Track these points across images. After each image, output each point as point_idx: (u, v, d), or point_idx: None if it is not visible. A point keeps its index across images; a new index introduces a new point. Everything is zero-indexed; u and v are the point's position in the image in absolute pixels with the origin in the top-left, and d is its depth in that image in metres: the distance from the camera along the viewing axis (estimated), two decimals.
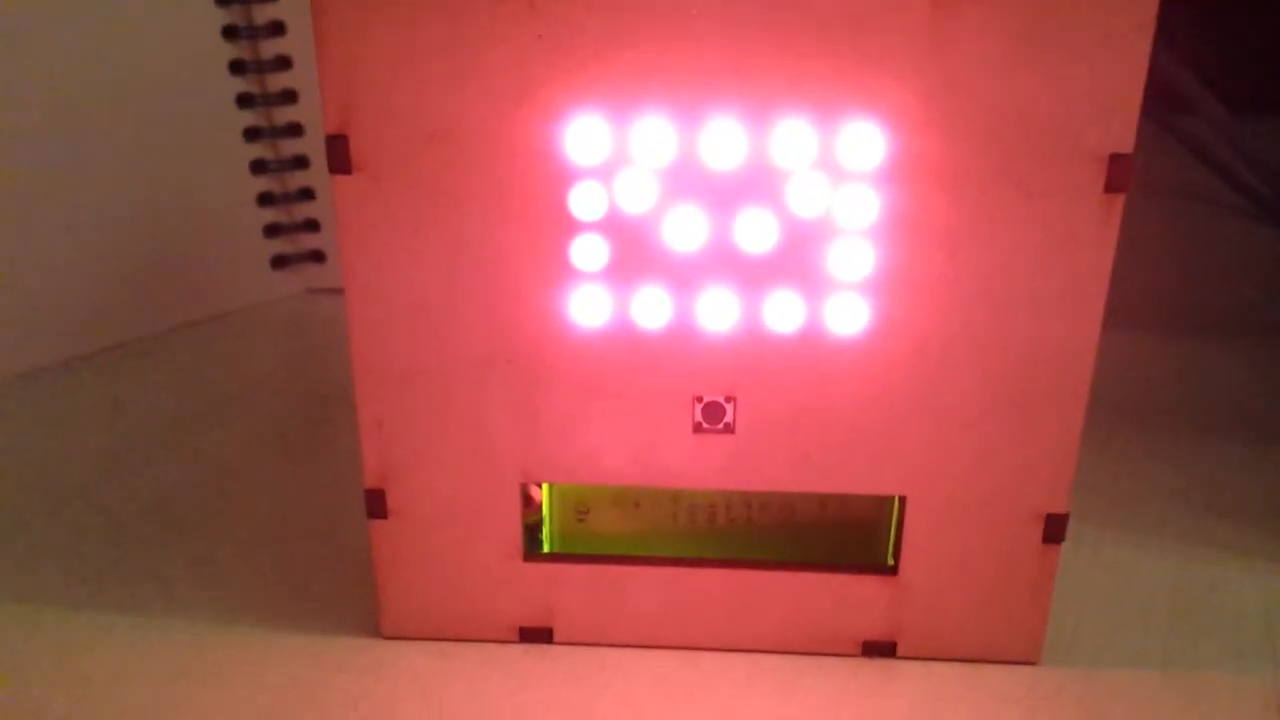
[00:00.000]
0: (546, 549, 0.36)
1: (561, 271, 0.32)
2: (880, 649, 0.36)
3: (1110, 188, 0.30)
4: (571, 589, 0.36)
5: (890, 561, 0.35)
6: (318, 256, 0.63)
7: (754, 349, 0.32)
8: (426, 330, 0.33)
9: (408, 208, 0.32)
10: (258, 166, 0.61)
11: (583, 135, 0.31)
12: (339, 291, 0.63)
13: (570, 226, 0.31)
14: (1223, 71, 0.78)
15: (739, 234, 0.31)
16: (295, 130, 0.61)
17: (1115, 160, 0.30)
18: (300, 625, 0.37)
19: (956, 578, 0.35)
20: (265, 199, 0.61)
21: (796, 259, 0.31)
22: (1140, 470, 0.47)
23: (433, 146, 0.31)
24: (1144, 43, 0.29)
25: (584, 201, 0.31)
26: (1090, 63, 0.29)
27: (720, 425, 0.33)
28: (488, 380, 0.33)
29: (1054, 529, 0.34)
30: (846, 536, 0.36)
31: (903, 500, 0.34)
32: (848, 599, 0.35)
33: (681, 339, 0.32)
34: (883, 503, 0.35)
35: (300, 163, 0.61)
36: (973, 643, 0.35)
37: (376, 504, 0.35)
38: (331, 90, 0.31)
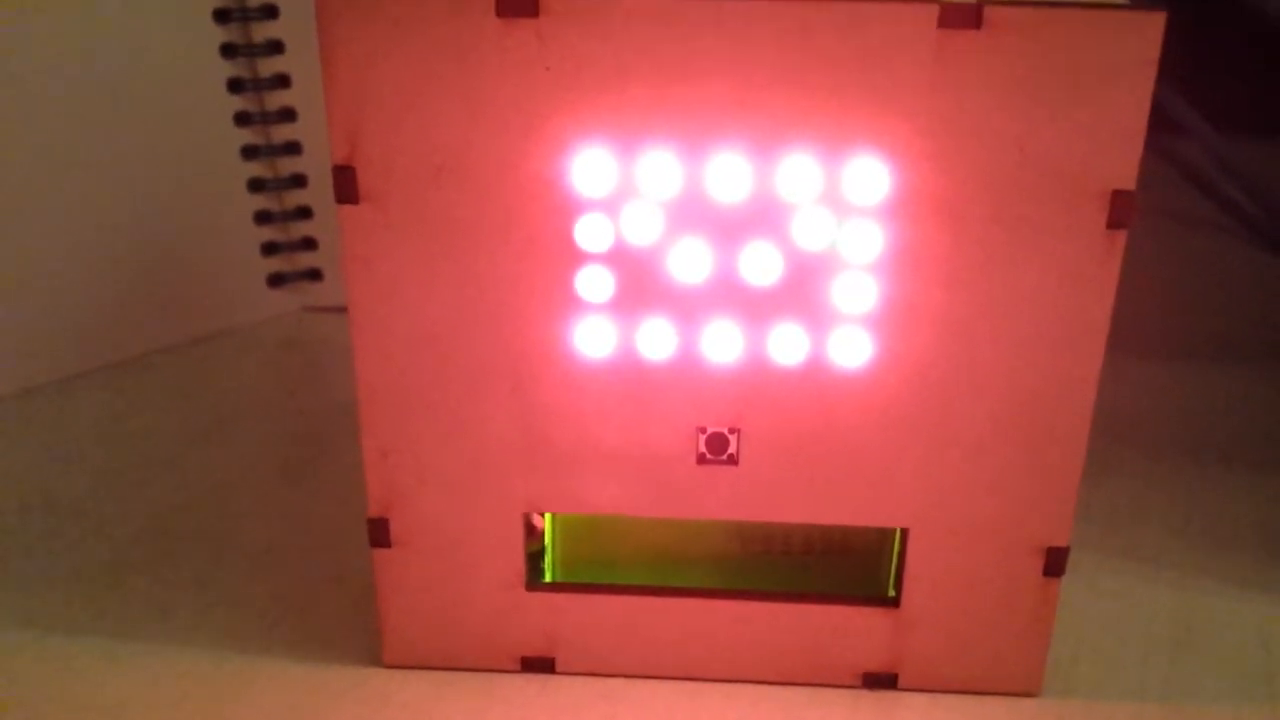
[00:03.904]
0: (548, 578, 0.36)
1: (567, 302, 0.32)
2: (881, 680, 0.36)
3: (1112, 224, 0.30)
4: (573, 619, 0.36)
5: (891, 593, 0.35)
6: (315, 275, 0.63)
7: (758, 381, 0.33)
8: (432, 359, 0.33)
9: (414, 238, 0.32)
10: (255, 184, 0.60)
11: (589, 167, 0.31)
12: (336, 310, 0.63)
13: (576, 258, 0.32)
14: (1214, 95, 0.79)
15: (744, 267, 0.31)
16: (293, 149, 0.61)
17: (1117, 197, 0.30)
18: (301, 652, 0.37)
19: (957, 610, 0.35)
20: (263, 217, 0.61)
21: (801, 292, 0.32)
22: (1138, 499, 0.47)
23: (440, 177, 0.31)
24: (1147, 80, 0.29)
25: (590, 233, 0.31)
26: (1093, 100, 0.29)
27: (724, 456, 0.33)
28: (492, 410, 0.33)
29: (1054, 562, 0.34)
30: (848, 568, 0.36)
31: (904, 532, 0.34)
32: (849, 630, 0.35)
33: (686, 370, 0.33)
34: (884, 534, 0.35)
35: (298, 181, 0.61)
36: (973, 674, 0.35)
37: (380, 533, 0.35)
38: (339, 121, 0.31)
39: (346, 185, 0.31)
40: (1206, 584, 0.41)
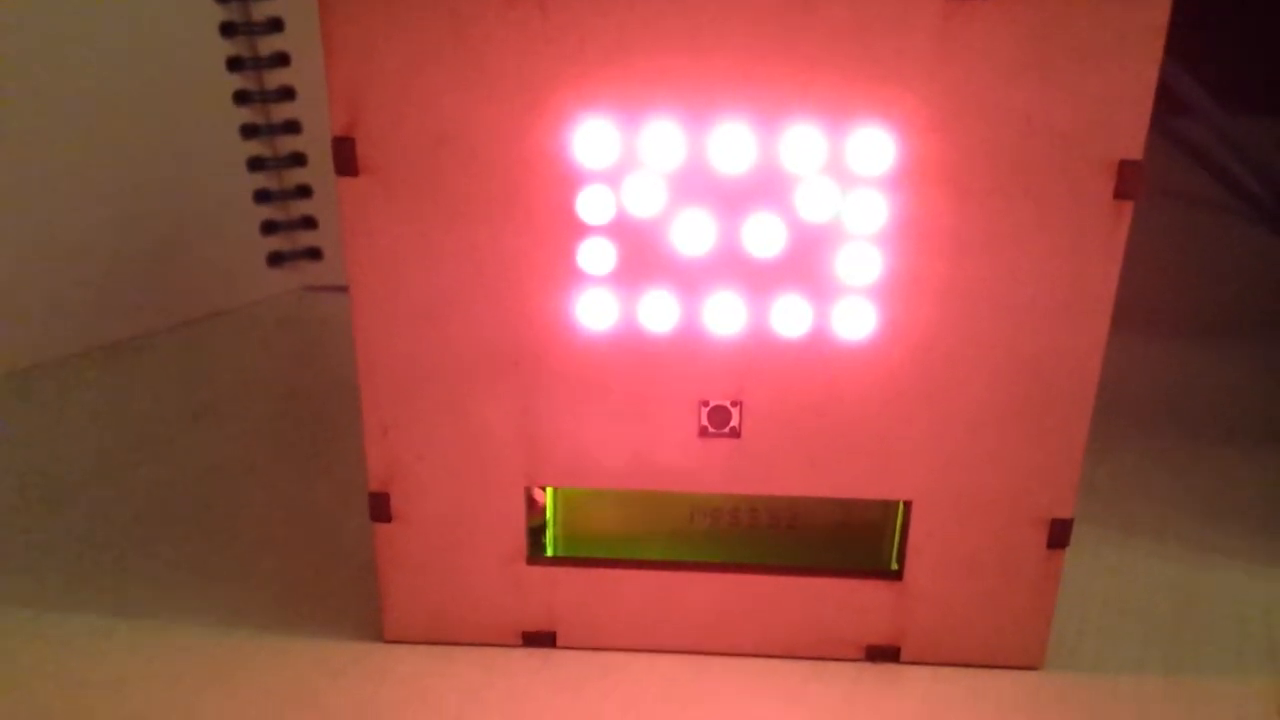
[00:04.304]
0: (550, 553, 0.36)
1: (569, 275, 0.32)
2: (884, 654, 0.36)
3: (1119, 194, 0.30)
4: (574, 593, 0.36)
5: (894, 566, 0.35)
6: (314, 254, 0.63)
7: (760, 353, 0.32)
8: (432, 333, 0.33)
9: (414, 210, 0.31)
10: (255, 163, 0.60)
11: (591, 139, 0.30)
12: (336, 289, 0.63)
13: (578, 230, 0.31)
14: (1219, 72, 0.78)
15: (747, 238, 0.31)
16: (293, 127, 0.60)
17: (1125, 167, 0.30)
18: (302, 628, 0.37)
19: (960, 582, 0.35)
20: (262, 196, 0.61)
21: (804, 263, 0.31)
22: (1140, 473, 0.47)
23: (440, 149, 0.31)
24: (1155, 49, 0.29)
25: (592, 205, 0.31)
26: (1100, 69, 0.29)
27: (726, 429, 0.33)
28: (493, 383, 0.33)
29: (1058, 534, 0.34)
30: (851, 541, 0.35)
31: (907, 505, 0.34)
32: (852, 603, 0.35)
33: (688, 343, 0.32)
34: (887, 507, 0.35)
35: (298, 160, 0.61)
36: (976, 647, 0.35)
37: (380, 508, 0.34)
38: (339, 92, 0.30)
39: (346, 157, 0.31)
40: (1209, 558, 0.41)
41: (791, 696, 0.34)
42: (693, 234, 0.31)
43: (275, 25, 0.59)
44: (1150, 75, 0.29)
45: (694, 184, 0.31)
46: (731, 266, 0.31)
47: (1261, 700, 0.34)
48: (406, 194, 0.31)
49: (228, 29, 0.58)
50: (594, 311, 0.32)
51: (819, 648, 0.36)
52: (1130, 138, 0.30)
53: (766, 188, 0.31)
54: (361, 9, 0.29)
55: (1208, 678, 0.35)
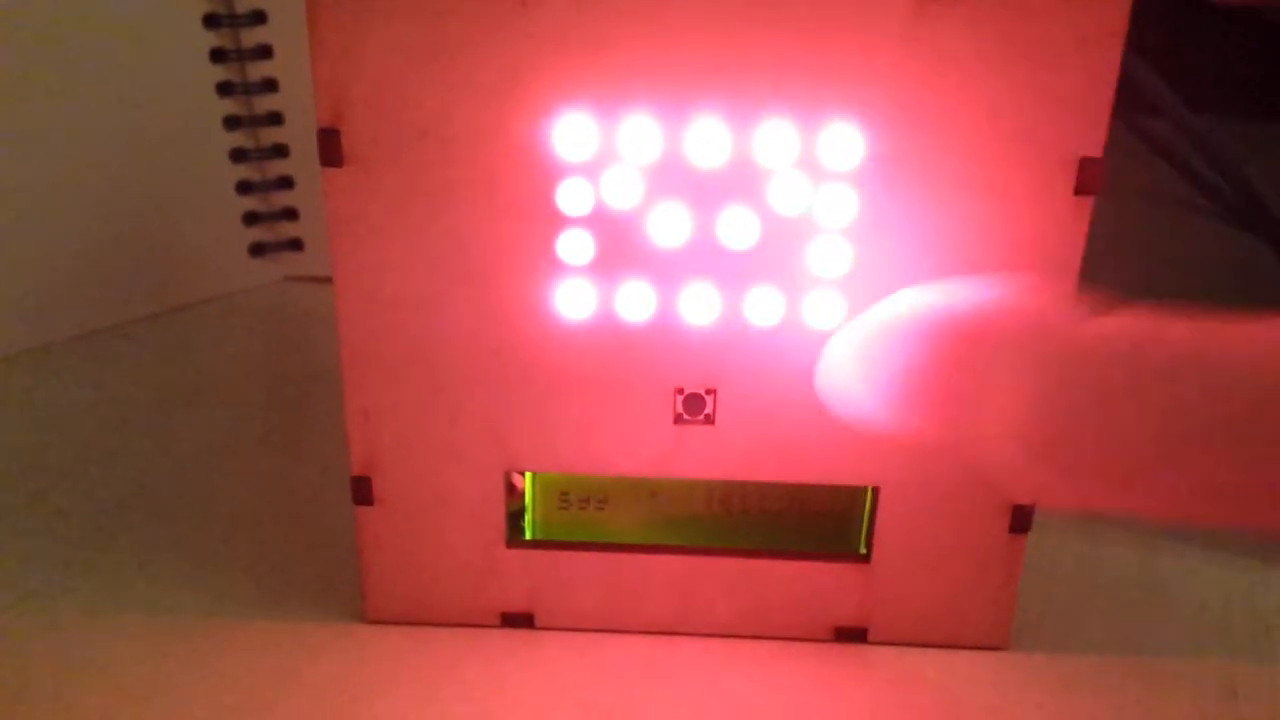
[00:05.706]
0: (528, 536, 0.37)
1: (548, 265, 0.33)
2: (852, 634, 0.37)
3: (1080, 190, 0.31)
4: (552, 575, 0.36)
5: (863, 550, 0.36)
6: (296, 244, 0.64)
7: (734, 342, 0.33)
8: (413, 321, 0.33)
9: (397, 201, 0.32)
10: (237, 155, 0.61)
11: (571, 132, 0.31)
12: (317, 279, 0.64)
13: (557, 221, 0.32)
14: (1187, 72, 0.79)
15: (722, 231, 0.32)
16: (275, 119, 0.61)
17: (1085, 164, 0.31)
18: (283, 610, 0.38)
19: (927, 566, 0.36)
20: (244, 187, 0.61)
21: (777, 255, 0.32)
22: None
23: (423, 141, 0.32)
24: (1115, 48, 0.30)
25: (571, 197, 0.32)
26: (1062, 69, 0.30)
27: (700, 416, 0.34)
28: (473, 371, 0.34)
29: (1020, 520, 0.35)
30: (821, 526, 0.36)
31: (876, 491, 0.35)
32: (821, 586, 0.36)
33: (664, 332, 0.33)
34: (856, 493, 0.36)
35: (280, 151, 0.62)
36: (942, 628, 0.36)
37: (362, 491, 0.35)
38: (324, 84, 0.31)
39: (330, 148, 0.32)
40: (1172, 544, 0.42)
41: (763, 674, 0.35)
42: (669, 226, 0.32)
43: (258, 17, 0.59)
44: (1110, 76, 0.30)
45: (671, 177, 0.32)
46: (706, 258, 0.32)
47: (1216, 682, 0.36)
48: (389, 185, 0.32)
49: (211, 20, 0.58)
50: (573, 301, 0.33)
51: (790, 629, 0.37)
52: (1091, 135, 0.31)
53: (740, 182, 0.32)
54: (346, 3, 0.30)
55: (1166, 659, 0.37)
